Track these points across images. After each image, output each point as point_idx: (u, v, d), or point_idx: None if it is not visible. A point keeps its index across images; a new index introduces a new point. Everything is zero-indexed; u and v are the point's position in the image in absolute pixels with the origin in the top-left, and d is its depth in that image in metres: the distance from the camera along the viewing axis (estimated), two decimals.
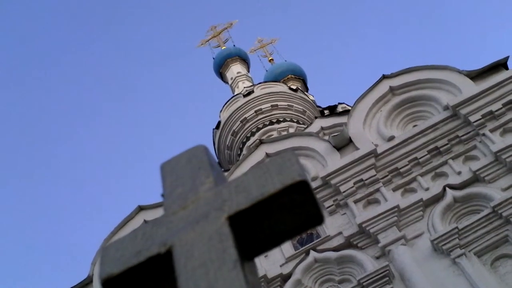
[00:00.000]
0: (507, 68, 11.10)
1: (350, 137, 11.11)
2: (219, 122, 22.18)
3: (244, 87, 23.98)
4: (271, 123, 21.11)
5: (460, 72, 11.33)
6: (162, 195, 1.32)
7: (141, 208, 11.68)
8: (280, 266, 9.96)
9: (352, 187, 10.36)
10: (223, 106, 22.47)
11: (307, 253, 10.00)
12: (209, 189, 1.23)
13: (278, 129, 20.68)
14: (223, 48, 27.52)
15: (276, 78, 25.97)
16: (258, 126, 21.10)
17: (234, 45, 27.68)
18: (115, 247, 1.21)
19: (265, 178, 1.17)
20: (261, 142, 12.18)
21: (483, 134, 10.19)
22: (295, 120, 21.41)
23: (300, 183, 1.13)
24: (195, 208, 1.20)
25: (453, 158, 10.30)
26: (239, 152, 21.08)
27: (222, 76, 27.17)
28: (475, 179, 9.88)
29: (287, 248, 10.17)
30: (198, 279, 1.06)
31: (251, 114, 21.27)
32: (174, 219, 1.21)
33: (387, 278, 9.04)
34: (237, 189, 1.18)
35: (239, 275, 1.03)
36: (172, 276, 1.13)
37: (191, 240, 1.13)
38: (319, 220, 1.15)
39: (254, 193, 1.15)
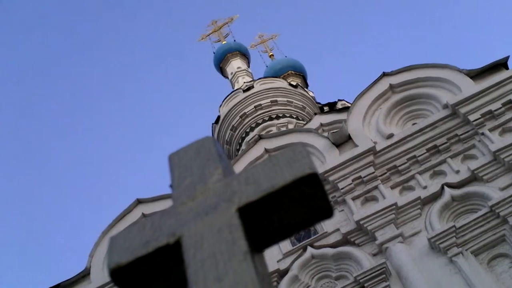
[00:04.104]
0: (507, 68, 11.10)
1: (349, 134, 11.10)
2: (218, 117, 22.18)
3: (244, 82, 23.97)
4: (271, 118, 21.12)
5: (460, 71, 11.33)
6: (170, 186, 1.31)
7: (139, 201, 11.67)
8: (277, 261, 9.97)
9: (351, 184, 10.36)
10: (223, 101, 22.47)
11: (304, 249, 10.01)
12: (218, 180, 1.23)
13: (278, 125, 20.69)
14: (223, 43, 27.48)
15: (276, 73, 25.96)
16: (258, 122, 21.10)
17: (234, 40, 27.66)
18: (123, 237, 1.21)
19: (275, 171, 1.16)
20: (260, 137, 12.17)
21: (482, 133, 10.20)
22: (294, 116, 21.42)
23: (310, 176, 1.12)
24: (204, 199, 1.20)
25: (451, 157, 10.30)
26: (238, 147, 21.09)
27: (222, 71, 27.14)
28: (473, 178, 9.89)
29: (285, 243, 10.18)
30: (207, 270, 1.06)
31: (250, 109, 21.27)
32: (183, 210, 1.20)
33: (384, 275, 9.05)
34: (247, 181, 1.18)
35: (250, 266, 1.03)
36: (181, 267, 1.13)
37: (201, 231, 1.13)
38: (329, 213, 1.14)
39: (264, 185, 1.15)
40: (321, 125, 16.08)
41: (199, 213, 1.17)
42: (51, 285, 11.03)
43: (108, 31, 58.81)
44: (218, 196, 1.19)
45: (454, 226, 9.14)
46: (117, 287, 1.19)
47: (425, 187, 10.06)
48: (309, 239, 10.15)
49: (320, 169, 10.59)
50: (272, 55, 28.79)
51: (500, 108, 10.39)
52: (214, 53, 27.31)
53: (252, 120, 21.17)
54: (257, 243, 1.14)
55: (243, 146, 20.20)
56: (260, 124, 21.02)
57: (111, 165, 54.58)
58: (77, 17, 57.93)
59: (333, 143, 11.11)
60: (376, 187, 10.24)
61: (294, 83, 23.46)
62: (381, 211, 9.73)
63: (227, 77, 26.76)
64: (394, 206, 9.74)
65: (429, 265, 9.01)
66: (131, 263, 1.16)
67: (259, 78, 23.34)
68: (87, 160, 53.31)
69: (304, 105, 22.05)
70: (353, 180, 10.36)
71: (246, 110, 21.30)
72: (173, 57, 59.30)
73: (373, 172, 10.35)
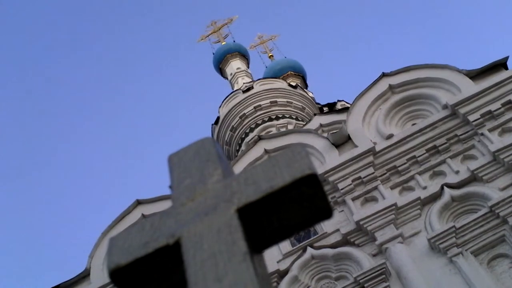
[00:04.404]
0: (506, 68, 11.10)
1: (348, 135, 11.11)
2: (218, 118, 22.18)
3: (244, 83, 23.97)
4: (270, 119, 21.12)
5: (459, 71, 11.33)
6: (170, 187, 1.31)
7: (139, 202, 11.67)
8: (277, 262, 9.97)
9: (350, 184, 10.36)
10: (222, 102, 22.47)
11: (304, 249, 10.01)
12: (217, 181, 1.23)
13: (277, 126, 20.68)
14: (223, 43, 27.48)
15: (276, 74, 25.95)
16: (257, 122, 21.11)
17: (234, 41, 27.66)
18: (123, 238, 1.21)
19: (274, 171, 1.16)
20: (260, 138, 12.17)
21: (482, 134, 10.21)
22: (294, 117, 21.42)
23: (309, 176, 1.12)
24: (204, 200, 1.20)
25: (451, 157, 10.31)
26: (237, 148, 21.09)
27: (221, 71, 27.14)
28: (473, 178, 9.89)
29: (284, 244, 10.18)
30: (207, 271, 1.06)
31: (250, 110, 21.28)
32: (182, 210, 1.20)
33: (384, 275, 9.05)
34: (246, 181, 1.18)
35: (249, 267, 1.03)
36: (180, 268, 1.13)
37: (200, 232, 1.13)
38: (328, 214, 1.14)
39: (263, 186, 1.15)
40: (321, 125, 16.09)
41: (198, 213, 1.17)
42: (51, 286, 11.03)
43: (108, 31, 58.83)
44: (217, 196, 1.19)
45: (454, 226, 9.15)
46: None
47: (425, 188, 10.06)
48: (309, 240, 10.14)
49: (320, 170, 10.59)
50: (272, 55, 28.79)
51: (500, 108, 10.40)
52: (213, 53, 27.31)
53: (251, 121, 21.17)
54: (257, 243, 1.14)
55: (243, 147, 20.20)
56: (259, 125, 21.02)
57: (111, 166, 54.60)
58: (77, 17, 57.96)
59: (333, 144, 11.11)
60: (376, 188, 10.24)
61: (293, 84, 23.47)
62: (381, 212, 9.73)
63: (226, 78, 26.75)
64: (394, 207, 9.74)
65: (429, 266, 9.01)
66: (130, 264, 1.16)
67: (259, 79, 23.34)
68: (87, 161, 53.32)
69: (303, 105, 22.05)
70: (352, 181, 10.36)
71: (245, 111, 21.30)
72: (172, 57, 59.35)
73: (373, 173, 10.35)
